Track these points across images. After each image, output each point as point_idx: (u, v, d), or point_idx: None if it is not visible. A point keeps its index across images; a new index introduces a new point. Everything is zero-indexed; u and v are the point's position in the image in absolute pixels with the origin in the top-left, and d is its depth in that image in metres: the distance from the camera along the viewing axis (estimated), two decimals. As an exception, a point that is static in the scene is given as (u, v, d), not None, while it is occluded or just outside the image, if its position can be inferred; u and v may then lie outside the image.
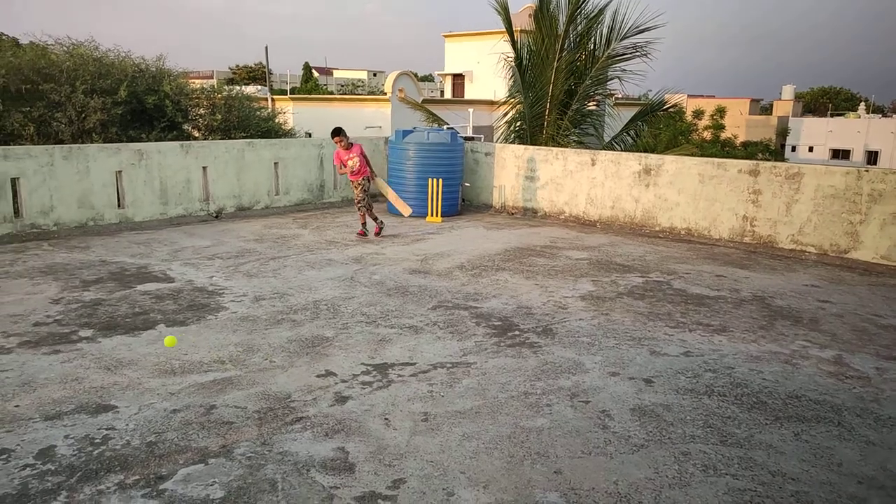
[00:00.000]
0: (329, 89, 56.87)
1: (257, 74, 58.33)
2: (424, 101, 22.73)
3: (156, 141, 11.76)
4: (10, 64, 10.67)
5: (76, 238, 8.70)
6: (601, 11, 13.07)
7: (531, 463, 3.40)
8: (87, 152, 9.05)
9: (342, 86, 63.42)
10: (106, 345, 4.94)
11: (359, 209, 9.25)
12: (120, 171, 9.36)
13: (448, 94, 35.28)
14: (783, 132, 56.41)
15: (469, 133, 15.87)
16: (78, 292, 6.25)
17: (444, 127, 12.66)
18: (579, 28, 13.33)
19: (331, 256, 7.93)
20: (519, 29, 14.69)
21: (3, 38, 14.73)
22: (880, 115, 60.38)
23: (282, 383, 4.32)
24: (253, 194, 10.83)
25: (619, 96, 19.42)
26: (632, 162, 10.05)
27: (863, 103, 66.05)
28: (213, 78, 39.26)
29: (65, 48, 12.45)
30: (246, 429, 3.70)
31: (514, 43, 13.53)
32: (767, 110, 64.99)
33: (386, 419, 3.84)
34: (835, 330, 5.60)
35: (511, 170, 11.48)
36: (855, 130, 53.56)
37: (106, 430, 3.66)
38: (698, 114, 42.32)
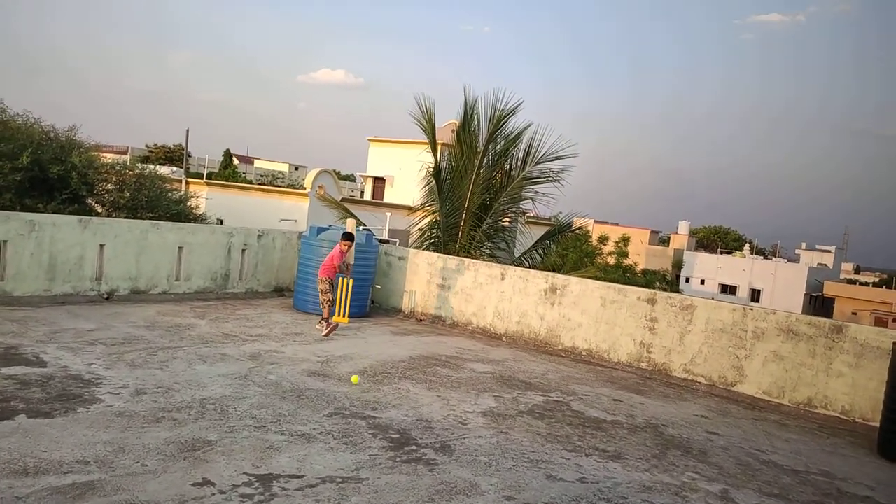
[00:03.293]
0: (249, 178, 56.54)
1: (175, 155, 57.39)
2: (343, 199, 22.95)
3: (53, 212, 11.14)
4: None
5: (-60, 308, 7.90)
6: (519, 135, 13.91)
7: None
8: (-29, 217, 8.42)
9: (262, 176, 63.22)
10: (-50, 435, 4.37)
11: (329, 304, 9.30)
12: (6, 241, 8.72)
13: (368, 196, 35.86)
14: (678, 264, 60.56)
15: (385, 236, 16.00)
16: (-71, 370, 5.59)
17: (360, 227, 12.72)
18: (498, 147, 14.07)
19: (226, 351, 7.53)
20: (442, 142, 15.34)
21: None
22: (762, 257, 66.09)
23: (151, 491, 3.91)
24: (151, 278, 10.31)
25: (532, 215, 20.35)
26: (539, 280, 10.36)
27: (748, 244, 72.37)
28: (127, 154, 38.24)
29: None
30: (100, 545, 3.29)
31: (435, 154, 14.05)
32: (665, 242, 69.80)
33: (263, 539, 3.52)
34: (722, 463, 5.75)
35: (423, 276, 11.56)
36: (741, 269, 58.31)
37: (-72, 539, 3.16)
38: (603, 239, 44.89)
